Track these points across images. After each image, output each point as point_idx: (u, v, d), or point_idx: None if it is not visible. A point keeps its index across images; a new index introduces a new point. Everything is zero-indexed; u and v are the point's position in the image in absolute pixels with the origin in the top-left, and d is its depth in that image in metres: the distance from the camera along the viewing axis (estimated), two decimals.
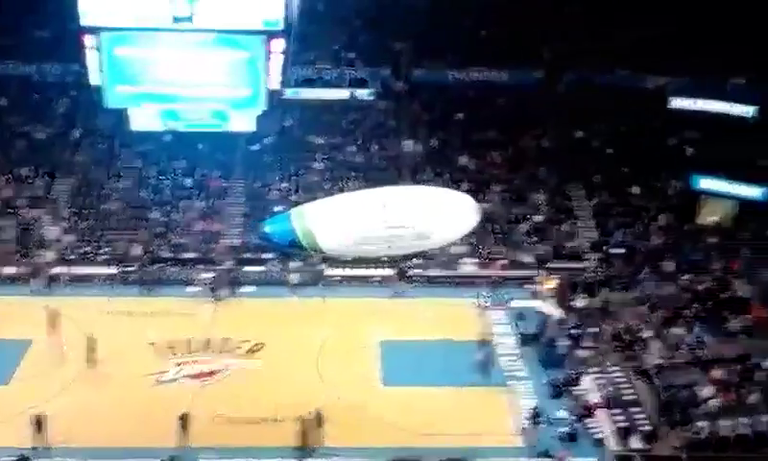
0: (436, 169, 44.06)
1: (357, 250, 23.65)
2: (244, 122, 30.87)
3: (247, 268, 39.39)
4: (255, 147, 44.68)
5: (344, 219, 22.92)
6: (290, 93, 39.77)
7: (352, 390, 30.62)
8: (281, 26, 26.54)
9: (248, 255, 39.95)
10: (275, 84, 28.28)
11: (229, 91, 29.07)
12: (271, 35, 26.87)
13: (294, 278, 38.52)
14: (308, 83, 46.01)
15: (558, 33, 49.18)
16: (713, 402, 28.81)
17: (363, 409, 29.49)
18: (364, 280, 38.93)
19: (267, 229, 24.83)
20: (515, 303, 37.06)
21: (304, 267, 38.83)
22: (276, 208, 38.71)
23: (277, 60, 27.45)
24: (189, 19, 26.51)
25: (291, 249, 24.31)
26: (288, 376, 31.34)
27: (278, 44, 26.97)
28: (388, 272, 38.84)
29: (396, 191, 24.40)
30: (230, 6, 26.59)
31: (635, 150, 45.05)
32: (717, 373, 30.21)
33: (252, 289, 38.53)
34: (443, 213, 23.74)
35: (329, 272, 38.95)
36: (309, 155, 45.35)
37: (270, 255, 39.31)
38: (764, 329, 32.78)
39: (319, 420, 27.48)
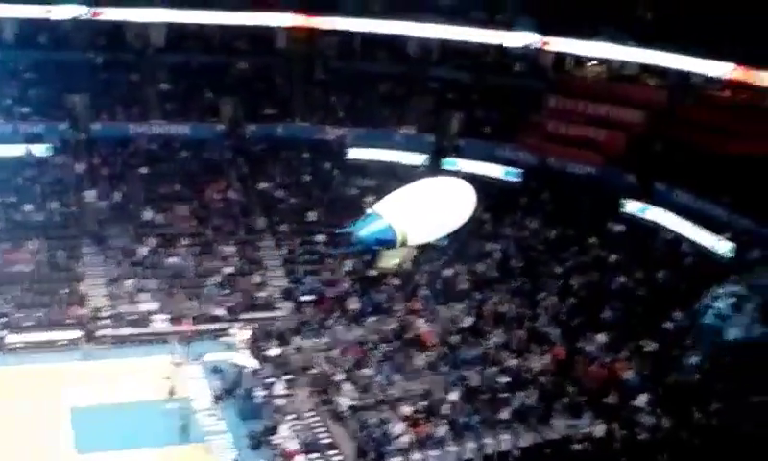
0: (122, 224, 42.94)
1: (429, 236, 22.76)
2: None
3: None
4: None
5: (418, 209, 22.11)
6: None
7: None
8: None
9: None
10: None
11: None
12: None
13: None
14: None
15: (238, 87, 50.39)
16: (405, 438, 30.28)
17: None
18: (49, 345, 37.10)
19: (368, 229, 22.45)
20: (209, 357, 36.79)
21: None
22: None
23: None
24: None
25: (383, 246, 22.88)
26: None
27: None
28: (75, 334, 37.34)
29: (423, 182, 23.95)
30: None
31: (318, 199, 46.60)
32: (406, 409, 31.85)
33: None
34: (458, 194, 23.78)
35: (10, 339, 36.80)
36: None
37: None
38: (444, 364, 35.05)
39: None
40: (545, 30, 48.43)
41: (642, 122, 45.45)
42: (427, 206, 22.11)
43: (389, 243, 21.83)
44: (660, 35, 47.10)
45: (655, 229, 39.20)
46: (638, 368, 32.12)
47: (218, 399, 34.04)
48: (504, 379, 33.47)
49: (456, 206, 23.01)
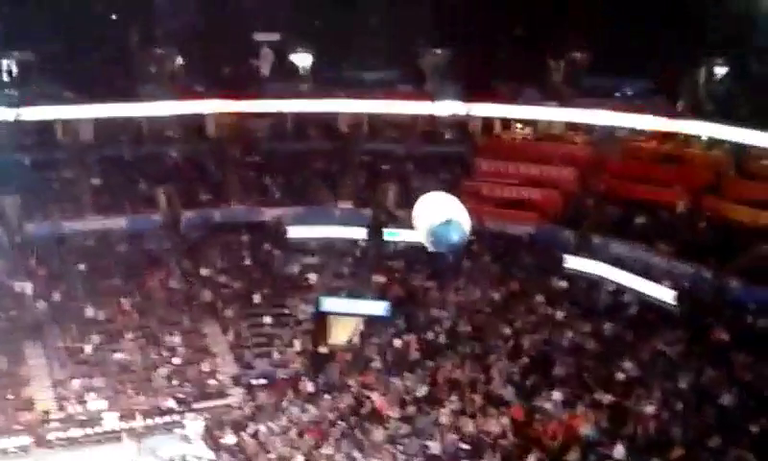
0: (64, 323, 42.16)
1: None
2: None
3: None
4: None
5: (457, 213, 23.17)
6: None
7: None
8: None
9: None
10: None
11: None
12: None
13: None
14: None
15: (172, 175, 50.38)
16: None
17: None
18: None
19: (454, 234, 22.84)
20: (164, 451, 36.16)
21: None
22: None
23: None
24: None
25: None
26: None
27: None
28: (25, 440, 36.37)
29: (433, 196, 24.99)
30: None
31: (261, 281, 46.41)
32: None
33: None
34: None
35: None
36: None
37: None
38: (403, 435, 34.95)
39: None
40: (468, 97, 49.63)
41: (574, 178, 46.59)
42: (458, 211, 23.29)
43: (464, 240, 23.03)
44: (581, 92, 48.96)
45: (597, 282, 39.91)
46: (596, 421, 32.36)
47: None
48: (464, 445, 33.47)
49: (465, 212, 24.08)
